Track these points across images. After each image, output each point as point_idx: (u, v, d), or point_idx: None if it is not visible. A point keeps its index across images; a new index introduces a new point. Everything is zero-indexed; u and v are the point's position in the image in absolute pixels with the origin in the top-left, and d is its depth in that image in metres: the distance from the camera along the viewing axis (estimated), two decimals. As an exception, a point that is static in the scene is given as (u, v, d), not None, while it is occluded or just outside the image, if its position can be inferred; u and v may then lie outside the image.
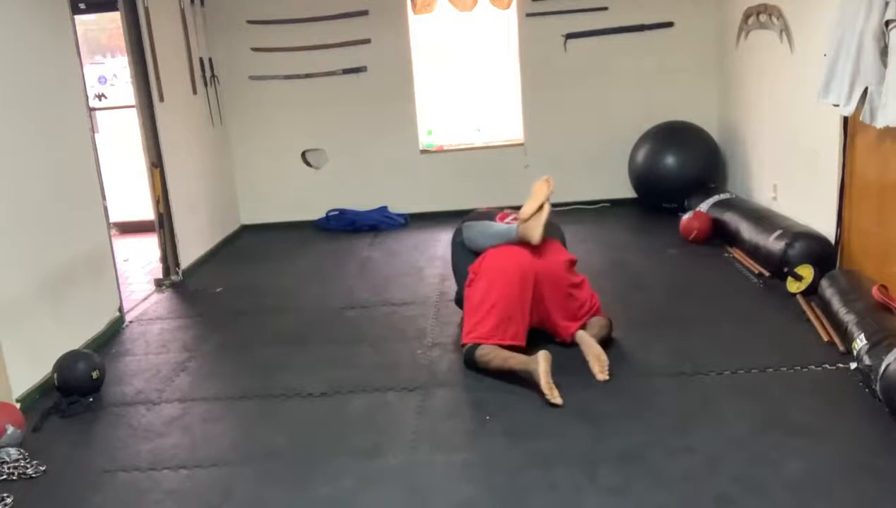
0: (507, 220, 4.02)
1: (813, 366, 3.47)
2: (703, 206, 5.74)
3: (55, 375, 3.76)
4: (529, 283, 3.68)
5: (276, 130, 7.02)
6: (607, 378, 3.47)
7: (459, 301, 4.23)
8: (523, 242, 3.75)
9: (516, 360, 3.51)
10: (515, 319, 3.68)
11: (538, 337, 3.77)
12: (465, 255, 4.04)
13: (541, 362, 3.33)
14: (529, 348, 3.61)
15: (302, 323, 4.64)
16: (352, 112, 6.92)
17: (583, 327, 3.77)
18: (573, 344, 3.72)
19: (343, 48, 6.77)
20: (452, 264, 4.32)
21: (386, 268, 5.66)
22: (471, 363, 3.67)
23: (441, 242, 6.17)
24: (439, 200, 7.03)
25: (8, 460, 3.10)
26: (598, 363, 3.51)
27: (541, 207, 3.72)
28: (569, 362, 3.62)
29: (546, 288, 3.73)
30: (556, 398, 3.28)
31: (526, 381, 3.42)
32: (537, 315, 3.77)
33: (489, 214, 4.27)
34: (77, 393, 3.71)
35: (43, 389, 3.81)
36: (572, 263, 3.89)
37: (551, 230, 3.90)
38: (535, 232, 3.71)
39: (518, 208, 3.83)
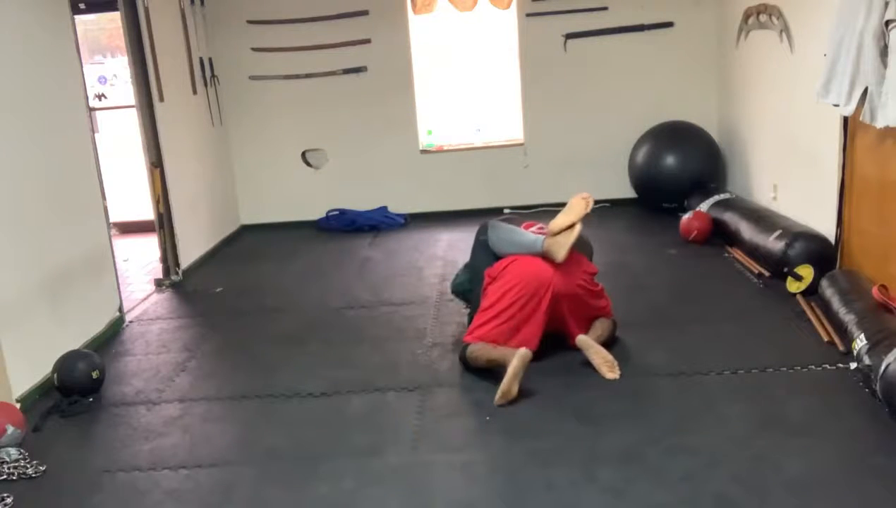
0: (532, 229, 3.92)
1: (813, 366, 3.47)
2: (703, 206, 5.74)
3: (55, 375, 3.75)
4: (546, 299, 3.61)
5: (276, 130, 7.02)
6: (618, 375, 3.48)
7: (459, 293, 4.20)
8: (546, 256, 3.68)
9: (498, 351, 3.49)
10: (523, 330, 3.62)
11: (550, 340, 3.73)
12: (485, 255, 3.95)
13: (515, 361, 3.30)
14: (540, 350, 3.60)
15: (302, 323, 4.64)
16: (352, 112, 6.92)
17: (586, 331, 3.74)
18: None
19: (343, 48, 6.77)
20: (471, 260, 4.16)
21: (386, 268, 5.66)
22: (464, 361, 3.68)
23: (441, 242, 6.18)
24: (439, 200, 7.04)
25: (8, 460, 3.10)
26: (606, 364, 3.51)
27: (572, 226, 3.61)
28: (569, 362, 3.63)
29: (564, 303, 3.67)
30: (499, 400, 3.29)
31: (526, 381, 3.39)
32: (553, 323, 3.72)
33: (515, 221, 4.19)
34: (77, 393, 3.71)
35: (43, 389, 3.81)
36: (592, 275, 3.84)
37: (578, 242, 3.73)
38: (561, 251, 3.60)
39: (520, 209, 3.80)
